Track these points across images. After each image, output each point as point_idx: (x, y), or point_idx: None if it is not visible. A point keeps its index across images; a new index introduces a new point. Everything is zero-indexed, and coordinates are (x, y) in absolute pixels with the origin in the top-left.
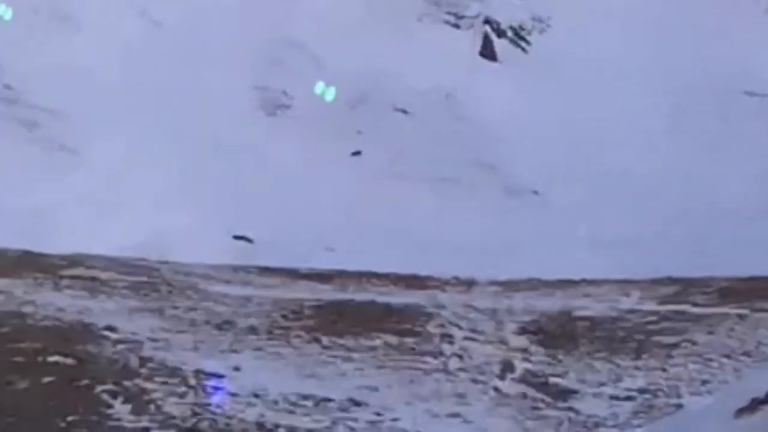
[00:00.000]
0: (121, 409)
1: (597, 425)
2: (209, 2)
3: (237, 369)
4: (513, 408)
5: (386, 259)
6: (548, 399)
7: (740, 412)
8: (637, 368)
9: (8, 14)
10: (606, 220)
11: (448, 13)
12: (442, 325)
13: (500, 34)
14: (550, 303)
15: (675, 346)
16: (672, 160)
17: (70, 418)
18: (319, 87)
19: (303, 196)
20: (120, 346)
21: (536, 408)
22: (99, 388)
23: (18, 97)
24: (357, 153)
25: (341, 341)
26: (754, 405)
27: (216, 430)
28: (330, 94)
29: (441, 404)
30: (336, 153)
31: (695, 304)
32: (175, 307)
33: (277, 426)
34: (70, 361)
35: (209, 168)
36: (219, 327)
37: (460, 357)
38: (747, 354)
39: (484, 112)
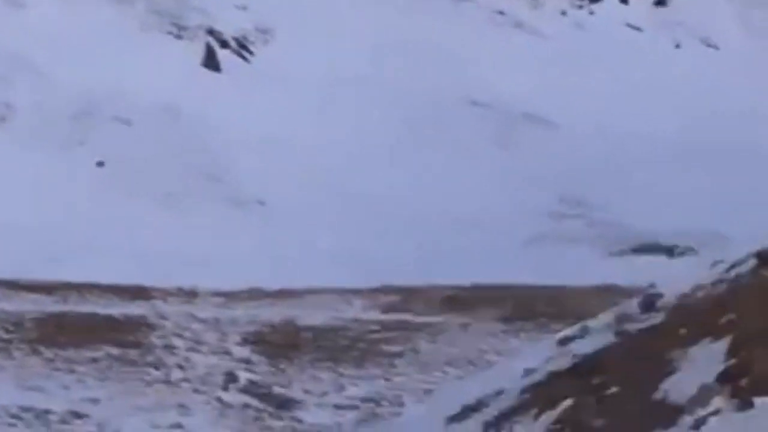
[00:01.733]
0: None
1: None
2: None
3: None
4: (236, 419)
5: (110, 271)
6: (272, 409)
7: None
8: (360, 377)
9: None
10: (329, 229)
11: (171, 23)
12: (165, 336)
13: (224, 44)
14: (274, 313)
15: (398, 355)
16: (396, 171)
17: None
18: (42, 98)
19: (25, 206)
20: None
21: (260, 418)
22: None
23: None
24: (101, 164)
25: (63, 353)
26: (465, 412)
27: None
28: (53, 106)
29: (164, 415)
30: (58, 165)
31: (418, 313)
32: None
33: None
34: None
35: None
36: None
37: (183, 368)
38: (470, 362)
39: (208, 123)
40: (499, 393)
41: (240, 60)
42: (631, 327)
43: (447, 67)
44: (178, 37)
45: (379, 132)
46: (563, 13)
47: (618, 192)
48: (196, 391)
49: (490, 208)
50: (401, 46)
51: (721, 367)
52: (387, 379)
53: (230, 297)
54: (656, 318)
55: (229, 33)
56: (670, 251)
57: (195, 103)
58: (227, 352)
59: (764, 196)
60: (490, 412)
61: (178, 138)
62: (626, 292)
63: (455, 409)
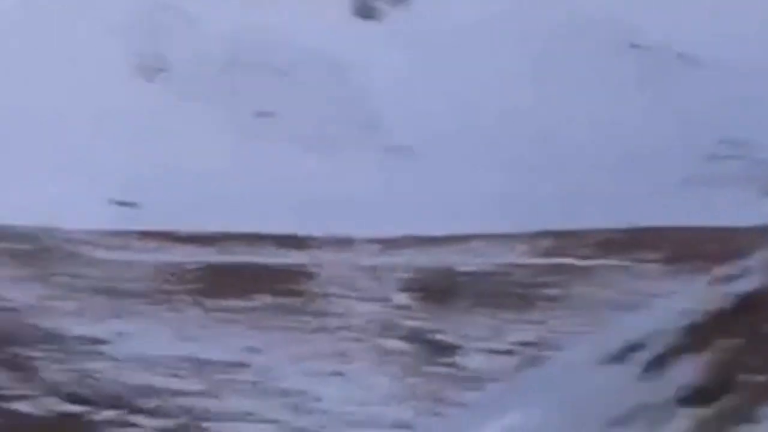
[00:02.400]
0: (3, 376)
1: (480, 380)
2: None
3: (119, 334)
4: (396, 365)
5: (267, 220)
6: (431, 355)
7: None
8: (519, 322)
9: None
10: (483, 175)
11: None
12: (323, 285)
13: None
14: (432, 259)
15: (556, 298)
16: (547, 114)
17: None
18: (196, 49)
19: (184, 159)
20: (2, 314)
21: (419, 365)
22: None
23: None
24: (262, 113)
25: (223, 303)
26: (623, 353)
27: (99, 396)
28: (206, 56)
29: (323, 363)
30: (213, 114)
31: (576, 257)
32: (58, 274)
33: (161, 390)
34: None
35: (89, 134)
36: (102, 293)
37: (342, 316)
38: (629, 305)
39: (362, 71)
40: (657, 333)
41: (395, 9)
42: None
43: (606, 8)
44: None
45: (535, 76)
46: None
47: None
48: (355, 338)
49: (646, 150)
50: None
51: None
52: (546, 324)
53: (387, 244)
54: None
55: None
56: None
57: (349, 52)
58: (386, 299)
59: None
60: (648, 353)
61: (333, 86)
62: None
63: (613, 350)
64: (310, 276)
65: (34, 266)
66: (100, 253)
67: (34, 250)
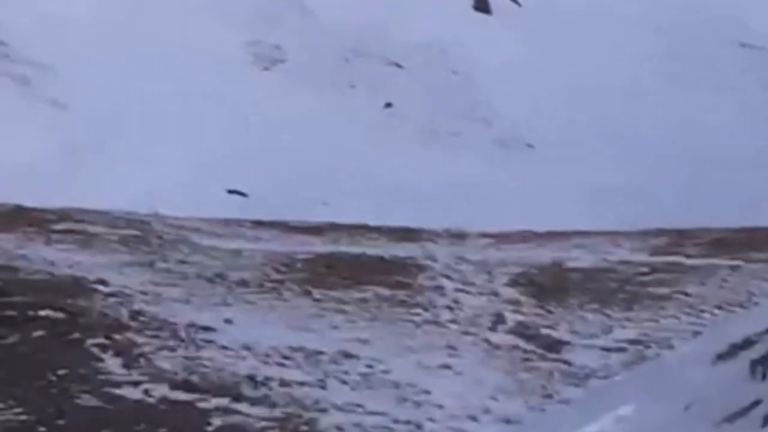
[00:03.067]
0: (111, 362)
1: (588, 376)
2: None
3: (228, 322)
4: (504, 360)
5: (379, 212)
6: (540, 350)
7: (719, 357)
8: (628, 319)
9: None
10: (598, 170)
11: None
12: (434, 278)
13: None
14: (542, 254)
15: (667, 297)
16: (665, 109)
17: (60, 372)
18: (313, 40)
19: (297, 150)
20: (111, 300)
21: (528, 359)
22: (89, 342)
23: (9, 52)
24: (389, 105)
25: (333, 294)
26: (733, 351)
27: (207, 384)
28: (322, 47)
29: (432, 356)
30: (329, 106)
31: (687, 255)
32: (167, 261)
33: (269, 379)
34: (60, 315)
35: (203, 122)
36: (210, 280)
37: (452, 309)
38: (739, 305)
39: (477, 66)
40: (767, 331)
41: (511, 3)
42: None
43: (717, 6)
44: None
45: (648, 71)
46: None
47: None
48: (464, 332)
49: (760, 151)
50: None
51: None
52: (655, 321)
53: (499, 238)
54: None
55: None
56: None
57: (465, 46)
58: (495, 294)
59: None
60: (758, 350)
61: (448, 80)
62: None
63: (723, 347)
64: (421, 268)
65: (143, 253)
66: (211, 241)
67: (144, 237)
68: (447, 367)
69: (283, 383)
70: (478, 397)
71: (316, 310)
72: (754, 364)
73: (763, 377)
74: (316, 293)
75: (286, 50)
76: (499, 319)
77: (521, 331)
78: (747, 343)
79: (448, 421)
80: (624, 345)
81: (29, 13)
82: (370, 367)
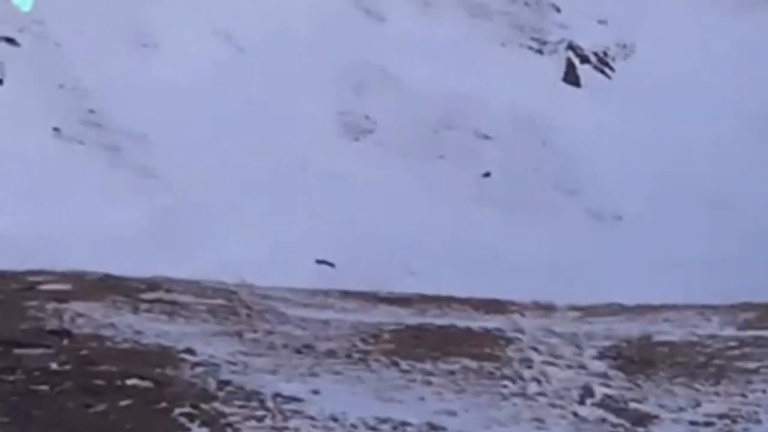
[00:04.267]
0: None
1: None
2: (292, 27)
3: (316, 392)
4: None
5: (467, 283)
6: (628, 424)
7: None
8: (716, 393)
9: (27, 5)
10: (687, 242)
11: (532, 38)
12: (522, 350)
13: (583, 60)
14: (630, 328)
15: (755, 371)
16: (755, 180)
17: None
18: (403, 110)
19: (384, 220)
20: (198, 369)
21: None
22: (177, 411)
23: (101, 121)
24: (487, 174)
25: (420, 365)
26: None
27: None
28: (413, 118)
29: (520, 429)
30: (418, 177)
31: None
32: (254, 331)
33: None
34: (147, 383)
35: (293, 191)
36: (298, 350)
37: (539, 381)
38: None
39: (567, 138)
40: None
41: (600, 75)
42: None
43: None
44: (539, 51)
45: (738, 142)
46: None
47: None
48: (552, 404)
49: None
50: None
51: None
52: (743, 396)
53: (588, 311)
54: None
55: (589, 48)
56: None
57: (555, 118)
58: (583, 366)
59: None
60: None
61: (538, 151)
62: None
63: None
64: (509, 340)
65: (231, 323)
66: (298, 311)
67: (231, 306)
68: None
69: None
70: None
71: (404, 381)
72: None
73: None
74: (404, 364)
75: (375, 120)
76: (587, 392)
77: (609, 404)
78: None
79: None
80: (712, 419)
81: (119, 79)
82: None
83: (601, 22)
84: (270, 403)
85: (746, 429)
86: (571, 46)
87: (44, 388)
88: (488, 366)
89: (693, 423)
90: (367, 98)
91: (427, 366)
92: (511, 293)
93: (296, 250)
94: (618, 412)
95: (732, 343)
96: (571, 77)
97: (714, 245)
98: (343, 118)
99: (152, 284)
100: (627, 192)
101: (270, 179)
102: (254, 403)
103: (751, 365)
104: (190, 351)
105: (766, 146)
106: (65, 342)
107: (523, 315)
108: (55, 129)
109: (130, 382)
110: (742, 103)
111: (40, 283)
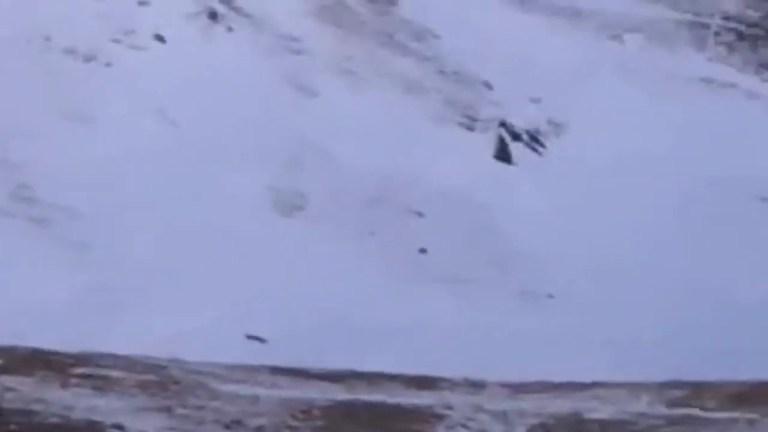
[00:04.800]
0: None
1: None
2: (226, 103)
3: None
4: None
5: (397, 359)
6: None
7: None
8: None
9: None
10: (617, 322)
11: (464, 115)
12: (452, 427)
13: (515, 137)
14: (561, 405)
15: None
16: (684, 261)
17: None
18: (335, 187)
19: (316, 296)
20: None
21: None
22: None
23: (32, 195)
24: (423, 251)
25: None
26: None
27: None
28: (346, 194)
29: None
30: (351, 253)
31: (704, 408)
32: (184, 406)
33: None
34: None
35: (224, 267)
36: (227, 426)
37: None
38: None
39: (499, 215)
40: None
41: (532, 152)
42: None
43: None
44: (470, 128)
45: (668, 223)
46: None
47: None
48: None
49: None
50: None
51: None
52: None
53: (518, 388)
54: None
55: (521, 125)
56: None
57: (487, 195)
58: None
59: None
60: None
61: (469, 228)
62: None
63: None
64: (439, 417)
65: (161, 398)
66: (228, 387)
67: (162, 382)
68: None
69: None
70: None
71: None
72: None
73: None
74: None
75: (308, 196)
76: None
77: None
78: None
79: None
80: None
81: (52, 154)
82: None
83: (534, 100)
84: None
85: None
86: (503, 124)
87: None
88: None
89: None
90: (299, 174)
91: None
92: (443, 368)
93: (227, 326)
94: None
95: (661, 422)
96: (503, 154)
97: (643, 324)
98: (275, 194)
99: (82, 359)
100: (558, 270)
101: (201, 254)
102: None
103: None
104: (119, 426)
105: (697, 224)
106: None
107: (452, 391)
108: None
109: None
110: (673, 181)
111: None
